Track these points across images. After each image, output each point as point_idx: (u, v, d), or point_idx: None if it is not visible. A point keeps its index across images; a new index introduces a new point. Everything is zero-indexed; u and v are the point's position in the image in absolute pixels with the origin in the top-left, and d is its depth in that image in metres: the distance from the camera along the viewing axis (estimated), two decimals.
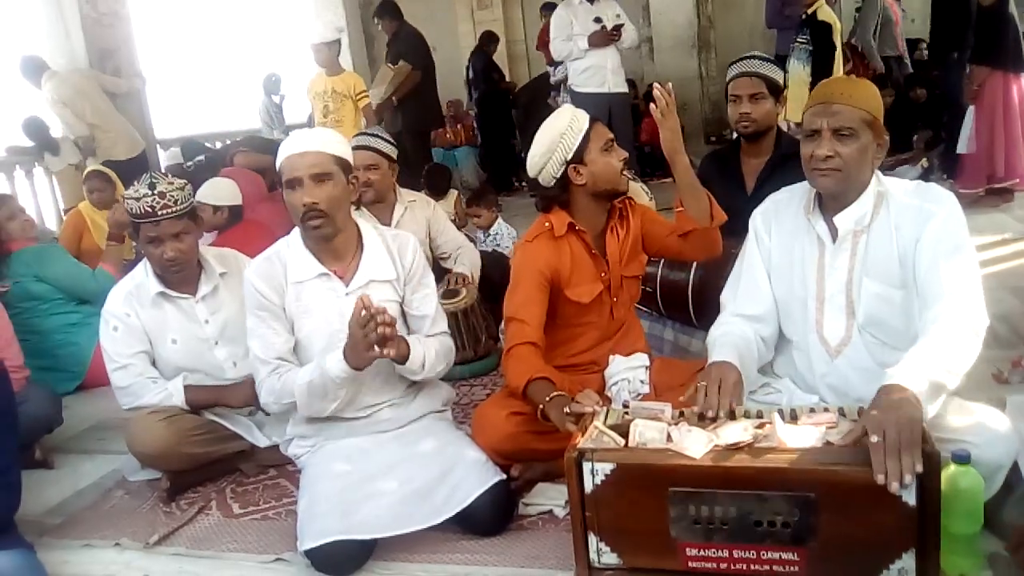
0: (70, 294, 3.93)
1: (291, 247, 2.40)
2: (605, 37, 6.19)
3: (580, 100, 6.25)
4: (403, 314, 2.49)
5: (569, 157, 2.44)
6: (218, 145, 7.89)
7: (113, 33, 7.02)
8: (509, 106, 9.48)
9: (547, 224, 2.52)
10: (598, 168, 2.45)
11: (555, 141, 2.43)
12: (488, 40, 9.55)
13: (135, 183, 2.61)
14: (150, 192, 2.58)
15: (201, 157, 5.76)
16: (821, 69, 5.50)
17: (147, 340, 2.72)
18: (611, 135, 2.49)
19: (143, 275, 2.75)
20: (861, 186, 2.03)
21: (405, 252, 2.47)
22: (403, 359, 2.31)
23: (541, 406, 2.18)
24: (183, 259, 2.66)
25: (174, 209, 2.60)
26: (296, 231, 2.41)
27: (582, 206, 2.51)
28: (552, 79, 7.30)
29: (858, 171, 1.99)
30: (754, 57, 3.17)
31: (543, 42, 7.43)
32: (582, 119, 2.45)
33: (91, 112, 6.45)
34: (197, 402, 2.70)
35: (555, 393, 2.17)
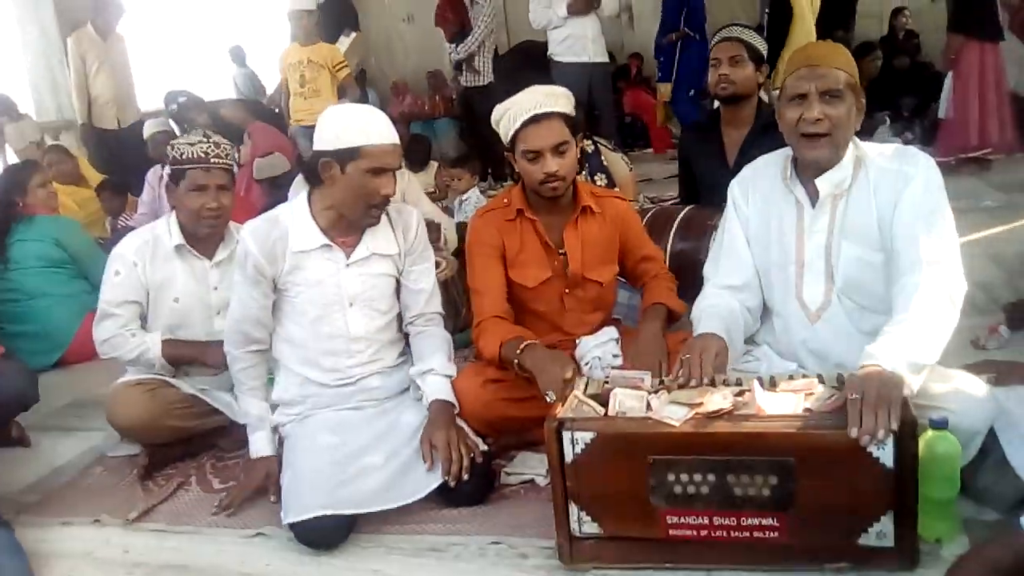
0: (80, 267, 4.00)
1: (295, 214, 2.35)
2: (585, 3, 6.09)
3: (560, 70, 6.19)
4: (397, 288, 2.48)
5: (506, 142, 2.43)
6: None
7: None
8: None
9: (505, 200, 2.53)
10: (522, 168, 2.43)
11: (502, 116, 2.42)
12: None
13: (185, 133, 2.63)
14: (205, 139, 2.63)
15: (183, 98, 5.71)
16: (773, 37, 5.38)
17: (144, 294, 2.70)
18: (540, 146, 2.34)
19: (164, 228, 2.73)
20: (843, 149, 2.02)
21: (409, 226, 2.46)
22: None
23: (516, 360, 2.20)
24: (222, 213, 2.68)
25: (223, 161, 2.65)
26: (302, 197, 2.38)
27: (528, 192, 2.49)
28: (452, 57, 7.08)
29: (845, 134, 1.99)
30: (737, 25, 3.17)
31: (442, 16, 7.27)
32: (519, 115, 2.36)
33: (104, 78, 6.41)
34: (174, 356, 2.68)
35: (527, 342, 2.21)
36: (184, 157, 2.61)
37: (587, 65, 6.24)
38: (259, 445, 2.43)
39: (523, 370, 2.20)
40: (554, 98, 2.38)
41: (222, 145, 2.66)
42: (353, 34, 6.34)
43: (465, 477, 2.18)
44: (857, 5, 8.36)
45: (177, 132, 5.36)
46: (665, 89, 7.43)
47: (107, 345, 2.67)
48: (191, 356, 2.71)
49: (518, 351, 2.22)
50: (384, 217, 2.41)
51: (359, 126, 2.22)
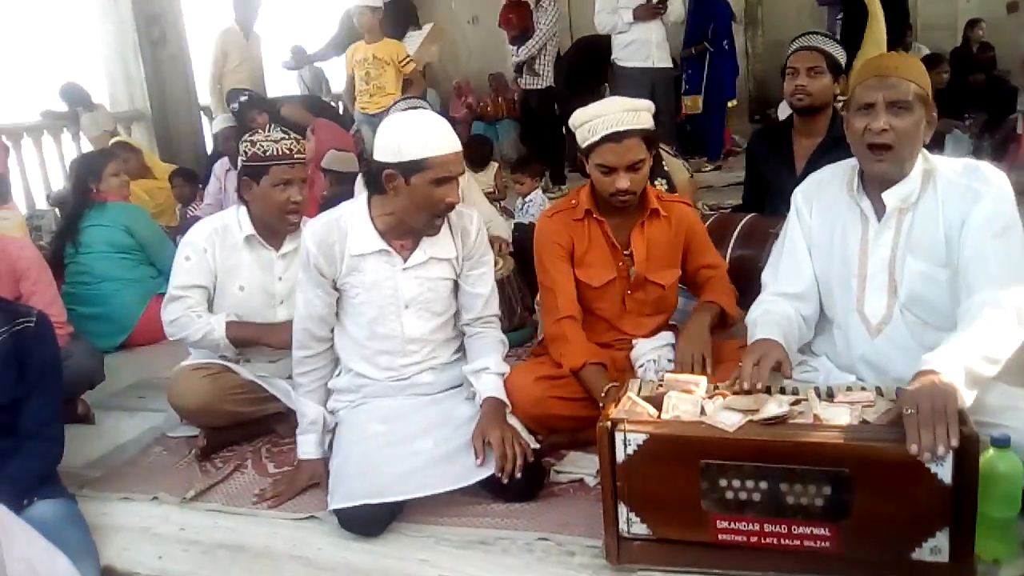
0: (148, 254, 4.15)
1: (355, 216, 2.37)
2: (651, 10, 6.10)
3: (623, 75, 6.25)
4: (455, 290, 2.50)
5: (582, 148, 2.43)
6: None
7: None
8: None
9: (573, 202, 2.53)
10: (595, 177, 2.44)
11: (581, 125, 2.40)
12: None
13: (260, 130, 2.74)
14: (287, 136, 2.70)
15: (244, 96, 5.85)
16: (847, 49, 5.35)
17: (212, 279, 2.77)
18: (616, 163, 2.35)
19: (233, 217, 2.81)
20: (912, 162, 1.99)
21: (469, 229, 2.46)
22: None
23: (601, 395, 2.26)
24: (304, 207, 2.76)
25: (304, 156, 2.75)
26: (362, 200, 2.40)
27: (597, 194, 2.50)
28: (513, 59, 7.07)
29: (911, 147, 1.96)
30: (816, 33, 3.12)
31: (505, 18, 7.27)
32: (598, 129, 2.34)
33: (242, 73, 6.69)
34: (238, 337, 2.73)
35: (611, 385, 2.26)
36: (268, 154, 2.66)
37: (650, 71, 6.24)
38: (307, 447, 2.45)
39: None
40: (635, 115, 2.36)
41: (301, 141, 2.74)
42: (428, 25, 6.34)
43: (518, 475, 2.19)
44: (918, 18, 8.19)
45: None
46: (692, 101, 7.42)
47: (174, 326, 2.73)
48: (255, 337, 2.76)
49: (602, 393, 2.29)
50: (445, 223, 2.40)
51: (423, 137, 2.20)
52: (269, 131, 2.71)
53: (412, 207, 2.27)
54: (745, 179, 3.57)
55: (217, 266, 2.76)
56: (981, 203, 1.91)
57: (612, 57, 6.43)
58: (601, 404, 2.19)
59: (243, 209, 2.79)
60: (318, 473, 2.42)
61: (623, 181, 2.35)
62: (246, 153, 2.69)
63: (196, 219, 4.16)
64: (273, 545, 2.21)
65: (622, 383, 2.12)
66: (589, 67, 7.18)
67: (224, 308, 2.77)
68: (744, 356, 1.96)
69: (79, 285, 4.02)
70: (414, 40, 6.51)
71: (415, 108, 3.50)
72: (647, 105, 2.42)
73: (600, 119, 2.35)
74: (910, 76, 1.93)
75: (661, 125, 6.17)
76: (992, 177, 1.95)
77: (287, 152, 2.67)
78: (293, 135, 2.72)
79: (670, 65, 6.53)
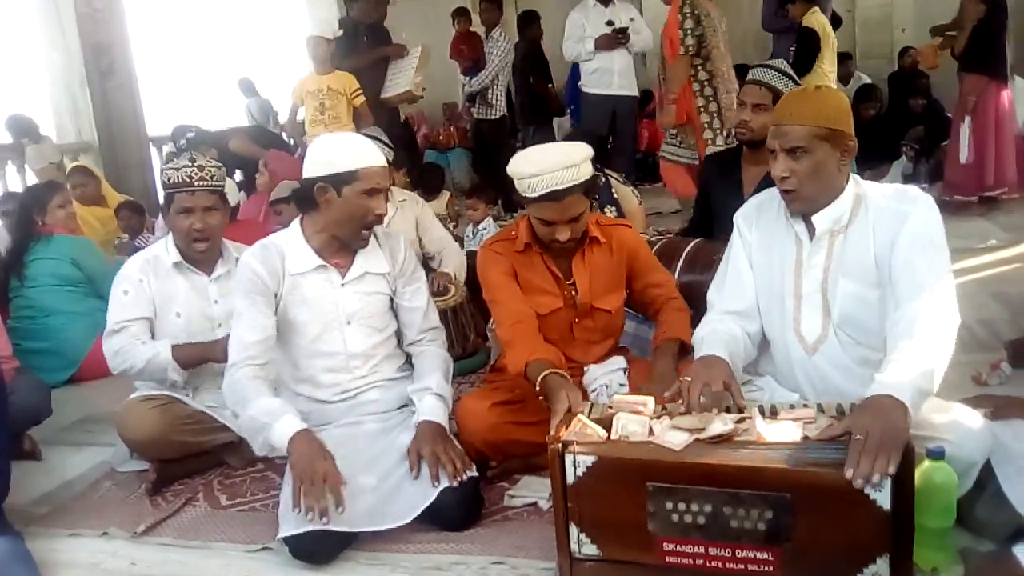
0: (94, 287, 4.07)
1: (290, 239, 2.46)
2: (611, 40, 6.28)
3: (587, 100, 6.50)
4: (392, 308, 2.56)
5: (519, 193, 2.40)
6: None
7: (108, 29, 7.02)
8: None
9: (513, 233, 2.57)
10: (534, 222, 2.46)
11: (521, 178, 2.34)
12: (527, 22, 7.39)
13: (176, 157, 2.76)
14: (190, 164, 2.75)
15: (191, 133, 5.80)
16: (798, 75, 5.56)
17: (152, 309, 2.79)
18: (556, 219, 2.35)
19: (163, 248, 2.85)
20: (832, 191, 2.05)
21: (397, 250, 2.56)
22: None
23: (538, 385, 2.21)
24: (210, 233, 2.78)
25: (209, 183, 2.75)
26: (295, 224, 2.48)
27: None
28: (467, 89, 7.19)
29: (816, 184, 2.02)
30: (771, 67, 3.12)
31: (456, 49, 7.42)
32: (537, 187, 2.29)
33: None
34: (184, 358, 2.73)
35: (550, 371, 2.22)
36: (171, 182, 2.74)
37: (612, 98, 6.45)
38: (288, 426, 2.23)
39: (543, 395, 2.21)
40: (575, 170, 2.30)
41: (206, 168, 2.76)
42: (416, 49, 6.16)
43: (455, 483, 2.20)
44: (856, 46, 8.45)
45: None
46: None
47: (119, 357, 2.72)
48: (200, 355, 2.77)
49: (541, 376, 2.21)
50: (373, 240, 2.50)
51: (352, 151, 2.36)
52: (179, 158, 2.77)
53: (343, 219, 2.36)
54: (695, 201, 3.65)
55: (154, 295, 2.78)
56: (909, 222, 1.98)
57: (579, 83, 6.66)
58: (538, 393, 2.20)
59: (170, 238, 2.85)
60: (321, 445, 2.21)
61: (563, 233, 2.38)
62: (163, 182, 2.77)
63: (136, 249, 4.14)
64: None
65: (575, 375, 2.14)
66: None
67: (165, 336, 2.77)
68: (690, 372, 2.00)
69: (25, 320, 3.95)
70: (406, 67, 6.14)
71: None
72: (585, 155, 2.36)
73: (539, 177, 2.30)
74: (803, 120, 1.99)
75: (619, 151, 6.37)
76: (920, 199, 2.03)
77: (187, 180, 2.71)
78: (198, 163, 2.75)
79: (633, 93, 6.69)
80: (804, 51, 6.00)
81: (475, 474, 2.31)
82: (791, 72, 3.17)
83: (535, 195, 2.32)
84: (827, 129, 1.98)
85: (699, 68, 5.10)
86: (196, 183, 2.72)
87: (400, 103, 6.24)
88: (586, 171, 2.35)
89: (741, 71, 4.21)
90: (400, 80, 6.07)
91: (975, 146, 5.70)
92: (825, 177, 2.02)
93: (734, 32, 10.20)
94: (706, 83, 5.11)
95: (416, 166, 6.26)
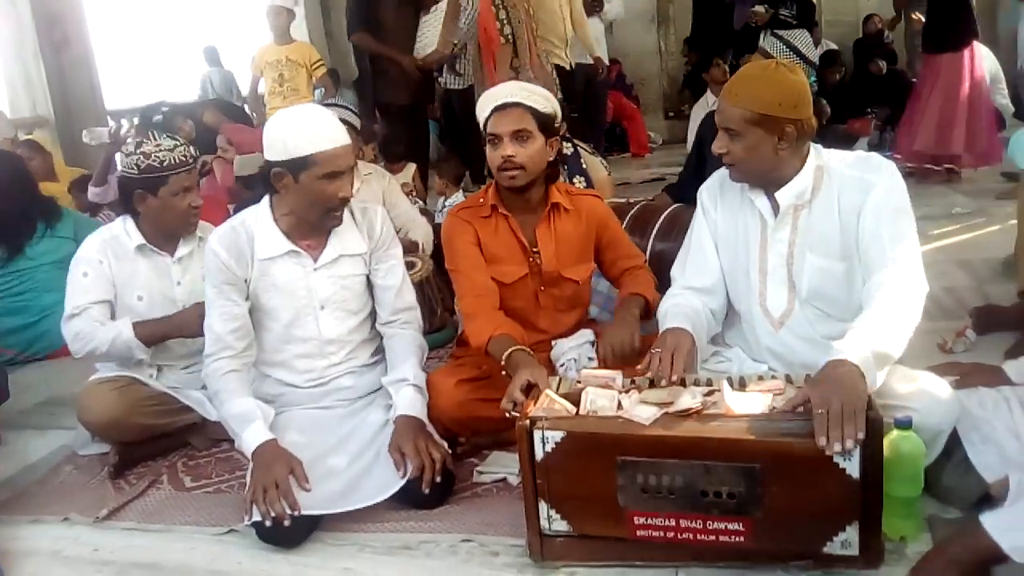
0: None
1: (259, 220, 2.35)
2: (587, 7, 6.30)
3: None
4: (369, 287, 2.49)
5: (482, 131, 2.46)
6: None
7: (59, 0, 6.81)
8: None
9: (480, 200, 2.54)
10: (488, 156, 2.45)
11: (480, 104, 2.46)
12: None
13: (146, 140, 2.66)
14: (179, 143, 2.68)
15: (166, 108, 5.68)
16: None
17: (112, 291, 2.71)
18: (500, 131, 2.38)
19: (120, 228, 2.75)
20: (779, 171, 2.03)
21: (374, 224, 2.47)
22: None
23: (503, 362, 2.18)
24: (201, 210, 2.73)
25: (196, 160, 2.73)
26: (264, 203, 2.37)
27: (501, 189, 2.50)
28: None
29: (753, 164, 2.01)
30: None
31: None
32: (487, 105, 2.42)
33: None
34: (146, 336, 2.65)
35: (515, 348, 2.19)
36: (166, 164, 2.61)
37: (584, 66, 6.42)
38: (255, 436, 2.22)
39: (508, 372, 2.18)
40: (527, 92, 2.42)
41: (188, 147, 2.72)
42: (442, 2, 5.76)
43: (438, 479, 2.18)
44: (822, 14, 8.48)
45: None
46: None
47: (79, 340, 2.64)
48: (164, 331, 2.70)
49: (506, 354, 2.18)
50: (348, 216, 2.41)
51: (307, 133, 2.19)
52: (158, 140, 2.65)
53: (305, 204, 2.27)
54: (688, 157, 3.66)
55: (114, 276, 2.70)
56: (874, 191, 1.97)
57: None
58: (502, 369, 2.17)
59: (130, 220, 2.74)
60: (283, 453, 2.19)
61: (507, 148, 2.36)
62: (138, 166, 2.61)
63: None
64: (191, 562, 2.15)
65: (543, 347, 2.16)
66: None
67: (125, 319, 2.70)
68: (655, 345, 1.99)
69: (22, 296, 3.84)
70: (433, 22, 5.62)
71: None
72: (544, 92, 2.46)
73: (492, 95, 2.43)
74: (738, 103, 1.97)
75: (591, 121, 6.36)
76: (883, 166, 2.02)
77: (183, 159, 2.64)
78: (182, 142, 2.71)
79: (605, 62, 6.69)
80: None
81: (451, 468, 2.28)
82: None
83: (486, 112, 2.41)
84: (759, 115, 1.94)
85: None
86: (190, 161, 2.67)
87: (434, 64, 5.77)
88: (540, 102, 2.41)
89: None
90: (428, 38, 5.64)
91: (940, 114, 5.68)
92: (760, 160, 2.00)
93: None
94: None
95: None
